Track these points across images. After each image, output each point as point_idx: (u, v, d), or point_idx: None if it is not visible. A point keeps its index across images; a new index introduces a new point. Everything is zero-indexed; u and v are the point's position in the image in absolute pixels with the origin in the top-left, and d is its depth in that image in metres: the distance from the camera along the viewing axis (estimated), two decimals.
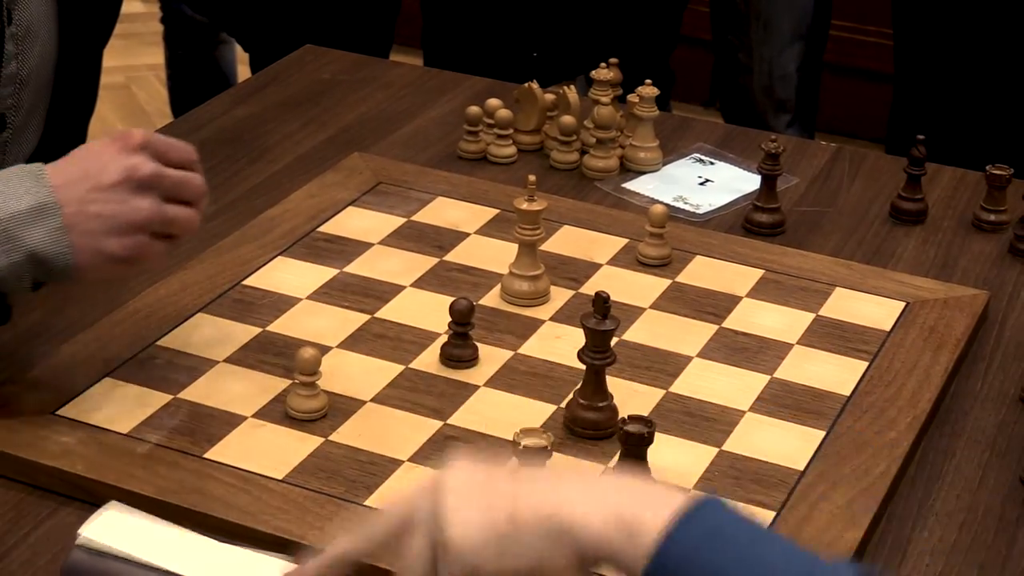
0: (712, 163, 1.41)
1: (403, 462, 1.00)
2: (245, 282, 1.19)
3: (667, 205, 1.30)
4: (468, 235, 1.26)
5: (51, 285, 1.07)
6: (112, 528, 0.89)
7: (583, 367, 1.09)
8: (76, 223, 0.96)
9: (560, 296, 1.18)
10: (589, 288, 1.20)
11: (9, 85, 1.23)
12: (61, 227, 0.96)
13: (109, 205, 0.97)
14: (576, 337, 1.13)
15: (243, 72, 2.24)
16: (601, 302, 1.01)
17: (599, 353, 1.02)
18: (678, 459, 1.01)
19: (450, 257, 1.23)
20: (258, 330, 1.13)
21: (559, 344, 1.13)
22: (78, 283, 1.05)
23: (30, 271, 0.98)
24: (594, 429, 1.03)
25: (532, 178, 1.18)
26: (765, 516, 0.96)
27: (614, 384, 1.08)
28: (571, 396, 1.05)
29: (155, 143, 1.00)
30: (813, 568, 0.69)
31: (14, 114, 1.26)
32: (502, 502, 0.73)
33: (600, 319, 1.02)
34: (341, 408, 1.05)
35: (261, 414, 1.04)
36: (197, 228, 1.02)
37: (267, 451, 1.01)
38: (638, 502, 0.71)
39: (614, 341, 1.12)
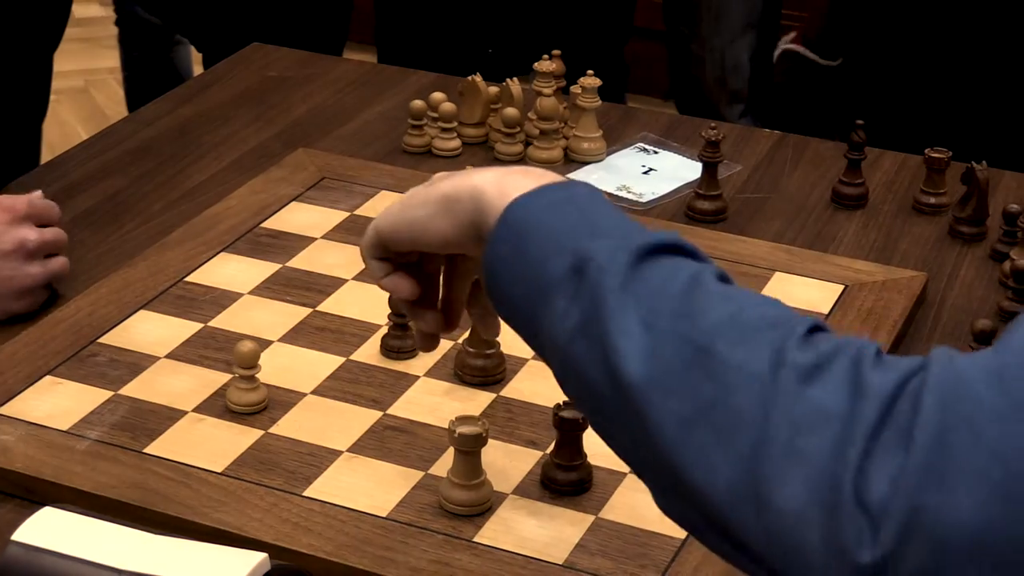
0: (656, 152, 1.42)
1: (342, 453, 1.01)
2: (188, 278, 1.19)
3: (610, 194, 1.31)
4: None
5: None
6: (46, 529, 0.89)
7: (523, 355, 1.11)
8: None
9: None
10: None
11: None
12: None
13: (6, 272, 1.12)
14: None
15: (199, 72, 2.24)
16: None
17: None
18: None
19: None
20: (200, 326, 1.13)
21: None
22: None
23: None
24: (483, 375, 1.07)
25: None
26: None
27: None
28: (460, 345, 1.09)
29: (36, 210, 1.15)
30: (642, 234, 0.73)
31: None
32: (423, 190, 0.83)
33: None
34: (281, 401, 1.05)
35: (201, 408, 1.05)
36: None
37: (207, 445, 1.01)
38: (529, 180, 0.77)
39: None
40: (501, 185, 0.78)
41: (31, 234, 1.14)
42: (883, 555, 0.60)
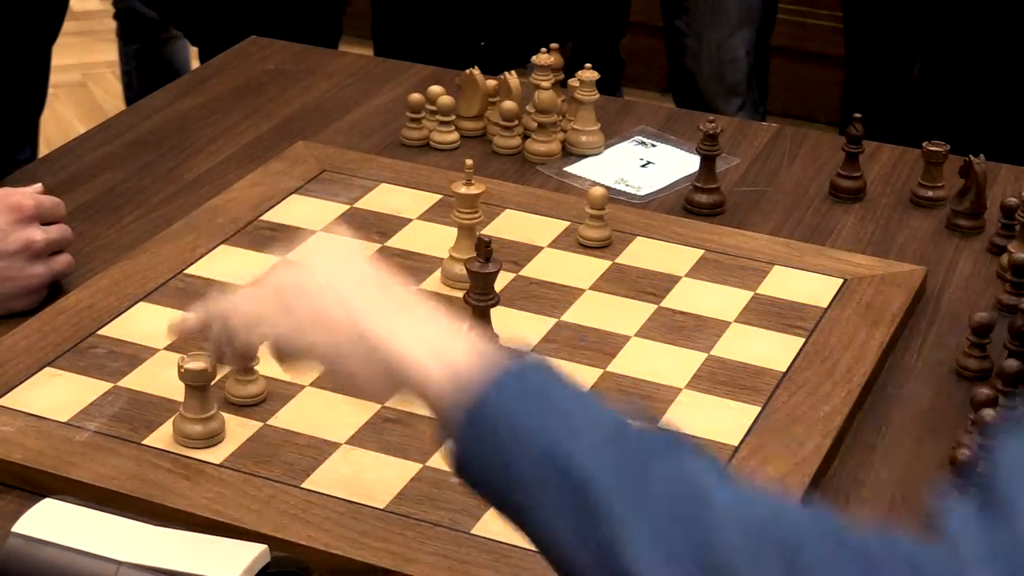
0: (654, 145, 1.42)
1: (340, 445, 1.01)
2: (188, 271, 1.19)
3: (608, 188, 1.31)
4: (410, 220, 1.27)
5: None
6: (46, 520, 0.89)
7: None
8: None
9: (501, 279, 1.18)
10: (530, 271, 1.21)
11: None
12: None
13: (11, 272, 1.12)
14: (516, 319, 1.15)
15: (196, 67, 2.24)
16: (483, 246, 1.07)
17: (483, 295, 1.08)
18: None
19: (392, 243, 1.24)
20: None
21: (498, 326, 1.13)
22: None
23: None
24: None
25: (469, 162, 1.19)
26: None
27: None
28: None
29: (42, 208, 1.15)
30: (621, 430, 0.71)
31: None
32: (338, 312, 0.80)
33: (483, 263, 1.07)
34: (280, 393, 1.05)
35: None
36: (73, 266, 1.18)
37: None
38: (468, 351, 0.75)
39: (553, 322, 1.14)
40: (445, 364, 0.74)
41: (38, 234, 1.13)
42: None
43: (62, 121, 2.85)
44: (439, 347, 0.76)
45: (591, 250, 1.23)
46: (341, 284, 0.81)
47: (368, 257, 0.85)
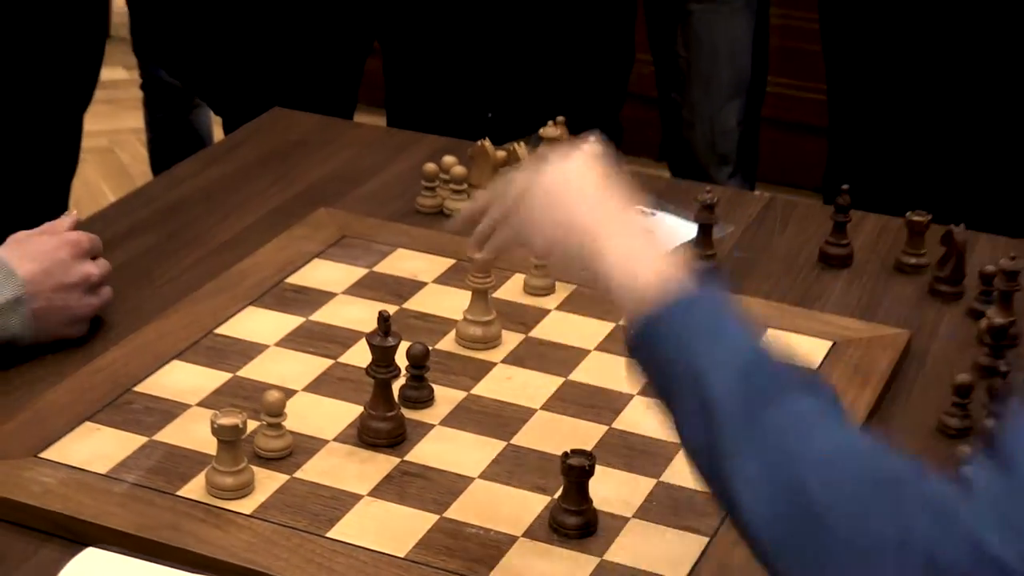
0: (653, 213, 1.49)
1: (363, 496, 1.07)
2: (217, 330, 1.25)
3: None
4: (426, 284, 1.34)
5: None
6: (89, 570, 0.94)
7: (534, 406, 1.17)
8: (42, 315, 1.20)
9: (511, 340, 1.26)
10: (539, 332, 1.27)
11: None
12: (31, 316, 1.19)
13: (69, 301, 1.22)
14: (526, 378, 1.21)
15: (218, 134, 2.32)
16: (383, 321, 1.11)
17: (383, 367, 1.11)
18: (619, 490, 1.08)
19: (409, 305, 1.31)
20: (229, 375, 1.20)
21: (510, 385, 1.20)
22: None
23: (4, 347, 1.20)
24: (387, 438, 1.11)
25: (477, 256, 1.24)
26: (698, 542, 1.03)
27: (561, 421, 1.15)
28: (362, 410, 1.13)
29: (94, 245, 1.26)
30: (760, 363, 0.84)
31: None
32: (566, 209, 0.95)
33: (383, 337, 1.11)
34: (306, 447, 1.11)
35: None
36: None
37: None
38: (658, 269, 0.89)
39: (561, 381, 1.21)
40: (631, 273, 0.90)
41: (94, 269, 1.24)
42: None
43: (90, 184, 2.94)
44: (636, 258, 0.90)
45: (596, 313, 1.30)
46: (567, 191, 0.95)
47: (598, 172, 0.97)
